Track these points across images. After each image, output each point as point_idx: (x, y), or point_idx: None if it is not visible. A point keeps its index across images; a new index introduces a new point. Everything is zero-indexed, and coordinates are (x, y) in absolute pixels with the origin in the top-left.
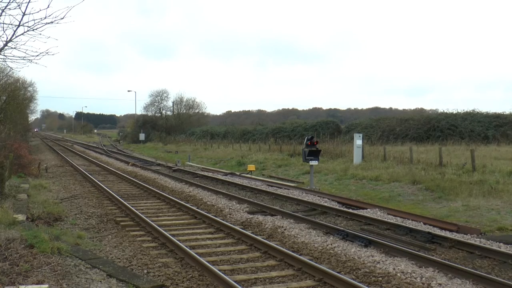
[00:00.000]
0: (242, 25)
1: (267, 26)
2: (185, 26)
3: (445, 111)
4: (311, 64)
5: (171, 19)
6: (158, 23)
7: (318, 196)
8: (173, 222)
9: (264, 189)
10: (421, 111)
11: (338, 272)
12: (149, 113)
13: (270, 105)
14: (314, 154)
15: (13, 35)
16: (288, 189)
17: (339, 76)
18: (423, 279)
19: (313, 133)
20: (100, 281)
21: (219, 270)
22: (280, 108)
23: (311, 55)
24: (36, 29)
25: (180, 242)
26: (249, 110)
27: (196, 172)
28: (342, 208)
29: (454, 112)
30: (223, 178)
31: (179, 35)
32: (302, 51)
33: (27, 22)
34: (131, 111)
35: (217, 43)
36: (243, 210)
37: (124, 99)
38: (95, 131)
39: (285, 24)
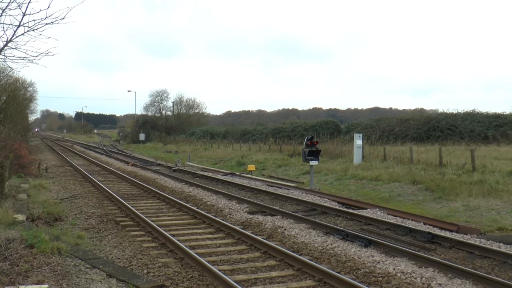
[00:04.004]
0: (246, 24)
1: (269, 26)
2: (191, 24)
3: (445, 111)
4: (311, 64)
5: (177, 17)
6: (164, 21)
7: (318, 196)
8: (173, 222)
9: (264, 189)
10: (421, 111)
11: (338, 272)
12: (149, 113)
13: (270, 105)
14: (314, 154)
15: (13, 35)
16: (288, 189)
17: (339, 76)
18: (423, 279)
19: (313, 133)
20: (100, 281)
21: (219, 270)
22: (280, 108)
23: (312, 55)
24: (36, 29)
25: (180, 242)
26: (249, 110)
27: (196, 172)
28: (342, 208)
29: (454, 112)
30: (223, 178)
31: (184, 34)
32: (303, 51)
33: (28, 22)
34: (131, 111)
35: (219, 42)
36: (243, 210)
37: (124, 99)
38: (95, 131)
39: (287, 24)
